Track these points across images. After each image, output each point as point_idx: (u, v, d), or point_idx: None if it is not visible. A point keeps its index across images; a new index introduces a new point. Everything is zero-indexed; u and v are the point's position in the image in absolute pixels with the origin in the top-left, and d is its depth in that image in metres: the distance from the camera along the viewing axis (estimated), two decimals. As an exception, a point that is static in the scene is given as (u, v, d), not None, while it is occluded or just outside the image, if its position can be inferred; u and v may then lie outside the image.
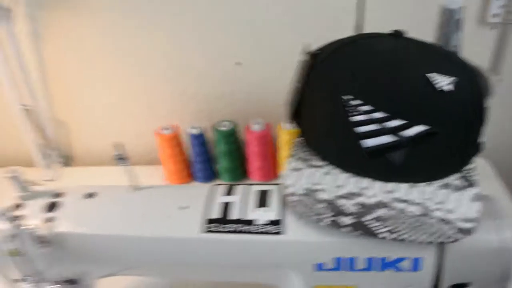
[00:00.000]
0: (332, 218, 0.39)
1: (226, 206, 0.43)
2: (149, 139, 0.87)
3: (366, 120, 0.40)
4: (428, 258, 0.40)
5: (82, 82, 0.83)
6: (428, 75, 0.39)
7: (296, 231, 0.40)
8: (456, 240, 0.37)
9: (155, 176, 0.82)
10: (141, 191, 0.46)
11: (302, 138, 0.49)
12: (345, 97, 0.40)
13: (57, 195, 0.47)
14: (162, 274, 0.48)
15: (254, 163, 0.77)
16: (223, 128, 0.74)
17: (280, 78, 0.77)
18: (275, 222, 0.41)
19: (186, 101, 0.82)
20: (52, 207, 0.45)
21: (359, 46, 0.43)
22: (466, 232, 0.38)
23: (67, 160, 0.93)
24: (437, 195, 0.41)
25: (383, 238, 0.37)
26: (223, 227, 0.41)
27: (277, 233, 0.40)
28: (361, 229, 0.38)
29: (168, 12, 0.74)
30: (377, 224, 0.38)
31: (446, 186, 0.42)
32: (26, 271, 0.45)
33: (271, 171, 0.78)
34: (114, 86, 0.83)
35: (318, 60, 0.44)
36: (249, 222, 0.41)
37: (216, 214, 0.42)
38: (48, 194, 0.47)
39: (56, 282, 0.47)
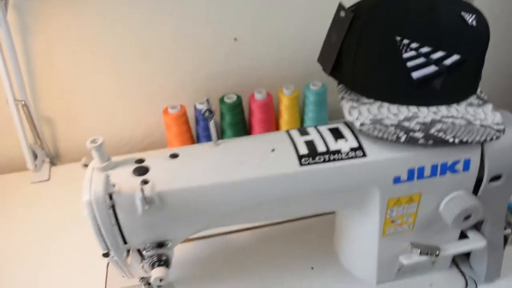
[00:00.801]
0: (407, 135, 0.47)
1: (310, 143, 0.49)
2: (147, 126, 0.88)
3: (415, 55, 0.49)
4: (475, 158, 0.50)
5: (70, 74, 0.81)
6: (462, 13, 0.49)
7: (376, 152, 0.48)
8: (498, 137, 0.48)
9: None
10: (222, 145, 0.50)
11: (342, 86, 0.57)
12: (398, 38, 0.49)
13: (140, 160, 0.49)
14: (256, 217, 0.53)
15: (258, 130, 0.83)
16: (229, 100, 0.79)
17: (275, 51, 0.85)
18: (357, 148, 0.48)
19: (186, 84, 0.84)
20: (143, 170, 0.47)
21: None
22: (501, 131, 0.49)
23: (54, 159, 0.89)
24: (468, 111, 0.51)
25: (451, 142, 0.46)
26: (318, 158, 0.47)
27: (362, 156, 0.48)
28: (432, 138, 0.47)
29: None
30: (441, 133, 0.47)
31: (470, 104, 0.53)
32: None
33: (273, 136, 0.85)
34: (106, 77, 0.82)
35: (362, 13, 0.52)
36: (335, 152, 0.48)
37: (304, 150, 0.48)
38: (129, 161, 0.49)
39: (146, 248, 0.49)
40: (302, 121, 0.85)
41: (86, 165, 0.50)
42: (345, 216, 0.58)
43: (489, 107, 0.52)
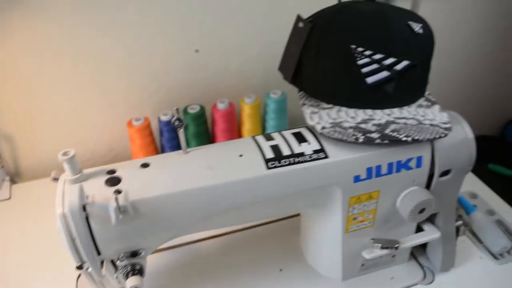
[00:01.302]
0: (365, 136, 0.51)
1: (275, 147, 0.51)
2: (109, 140, 0.88)
3: (369, 61, 0.53)
4: (426, 155, 0.54)
5: (31, 90, 0.80)
6: (409, 22, 0.54)
7: (337, 154, 0.51)
8: (446, 135, 0.52)
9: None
10: (192, 153, 0.52)
11: (302, 92, 0.60)
12: (353, 46, 0.53)
13: (111, 171, 0.50)
14: (226, 222, 0.54)
15: (222, 139, 0.85)
16: (193, 111, 0.81)
17: (236, 62, 0.87)
18: (319, 151, 0.51)
19: (148, 96, 0.85)
20: (116, 181, 0.48)
21: (349, 10, 0.56)
22: (448, 129, 0.53)
23: (15, 177, 0.87)
24: (419, 112, 0.56)
25: (405, 141, 0.50)
26: (284, 161, 0.50)
27: (324, 157, 0.51)
28: (387, 138, 0.50)
29: (125, 11, 0.77)
30: (396, 133, 0.51)
31: (420, 106, 0.57)
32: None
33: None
34: (67, 91, 0.82)
35: (319, 24, 0.56)
36: (299, 155, 0.51)
37: (271, 154, 0.51)
38: (101, 172, 0.49)
39: (120, 258, 0.50)
40: (263, 128, 0.88)
41: (56, 179, 0.50)
42: (310, 216, 0.60)
43: (436, 108, 0.57)
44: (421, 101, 0.58)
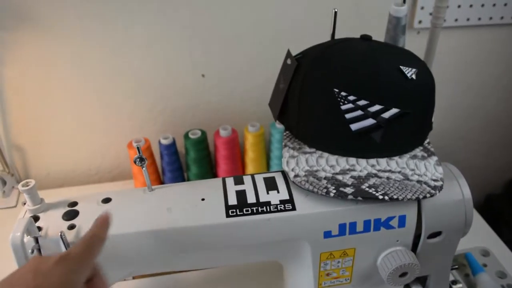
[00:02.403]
0: (337, 190, 0.46)
1: (241, 193, 0.49)
2: (114, 156, 0.88)
3: (353, 107, 0.49)
4: (411, 215, 0.49)
5: (42, 104, 0.82)
6: (400, 67, 0.49)
7: (306, 206, 0.47)
8: (432, 195, 0.47)
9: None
10: (157, 191, 0.50)
11: (288, 132, 0.57)
12: (336, 90, 0.49)
13: (72, 204, 0.49)
14: (186, 265, 0.52)
15: (223, 166, 0.83)
16: (193, 136, 0.79)
17: (242, 89, 0.85)
18: (287, 201, 0.48)
19: (153, 116, 0.85)
20: (73, 215, 0.47)
21: (339, 49, 0.52)
22: (438, 188, 0.48)
23: (24, 186, 0.90)
24: (409, 164, 0.51)
25: (381, 199, 0.46)
26: (245, 210, 0.47)
27: (291, 209, 0.47)
28: (361, 195, 0.46)
29: (133, 32, 0.77)
30: (372, 189, 0.46)
31: (414, 157, 0.52)
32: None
33: (239, 173, 0.85)
34: (74, 108, 0.83)
35: (306, 62, 0.52)
36: (264, 204, 0.47)
37: (234, 201, 0.48)
38: (62, 204, 0.49)
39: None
40: (268, 158, 0.85)
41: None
42: (284, 265, 0.57)
43: (432, 160, 0.52)
44: (417, 151, 0.53)
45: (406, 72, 0.50)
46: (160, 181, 0.84)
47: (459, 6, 0.82)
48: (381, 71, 0.50)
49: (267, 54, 0.82)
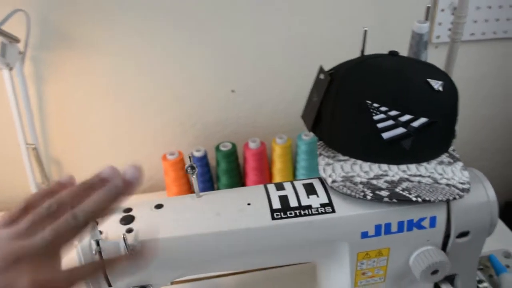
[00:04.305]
0: (373, 193, 0.50)
1: (284, 197, 0.53)
2: (147, 169, 0.93)
3: (385, 117, 0.53)
4: (441, 216, 0.53)
5: (78, 119, 0.87)
6: (428, 80, 0.53)
7: (344, 209, 0.51)
8: (461, 197, 0.51)
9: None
10: (204, 197, 0.54)
11: (321, 142, 0.61)
12: (369, 102, 0.53)
13: (127, 210, 0.53)
14: (232, 267, 0.56)
15: (252, 177, 0.87)
16: (224, 149, 0.84)
17: (270, 103, 0.90)
18: (326, 204, 0.52)
19: (184, 130, 0.90)
20: (129, 220, 0.51)
21: (370, 64, 0.57)
22: (466, 190, 0.51)
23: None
24: (437, 169, 0.55)
25: (414, 201, 0.50)
26: (289, 213, 0.51)
27: (331, 212, 0.51)
28: (396, 197, 0.50)
29: (168, 51, 0.82)
30: (406, 192, 0.50)
31: (441, 162, 0.56)
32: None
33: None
34: (110, 123, 0.88)
35: (338, 77, 0.57)
36: (306, 207, 0.52)
37: (278, 205, 0.52)
38: (119, 210, 0.53)
39: (130, 290, 0.53)
40: (294, 169, 0.89)
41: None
42: (322, 266, 0.60)
43: (458, 165, 0.55)
44: (443, 157, 0.57)
45: (433, 85, 0.54)
46: (191, 191, 0.88)
47: (475, 21, 0.87)
48: (411, 84, 0.54)
49: (293, 70, 0.87)
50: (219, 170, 0.85)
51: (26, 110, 0.79)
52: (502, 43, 0.93)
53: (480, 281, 0.65)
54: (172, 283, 0.70)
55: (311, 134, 0.86)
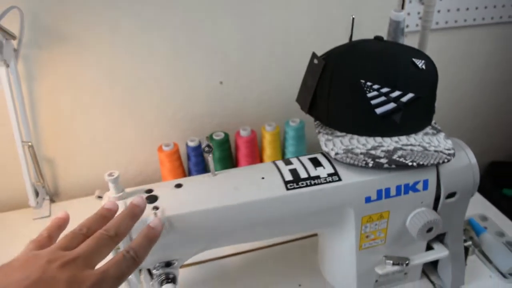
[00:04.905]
0: (374, 161, 0.56)
1: (294, 170, 0.58)
2: (141, 163, 0.95)
3: (377, 94, 0.59)
4: (432, 179, 0.59)
5: (69, 116, 0.88)
6: (413, 59, 0.60)
7: (349, 177, 0.57)
8: (449, 160, 0.58)
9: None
10: (219, 175, 0.58)
11: (318, 122, 0.66)
12: (362, 81, 0.59)
13: (149, 191, 0.56)
14: (249, 237, 0.60)
15: (244, 163, 0.91)
16: (218, 138, 0.88)
17: (257, 93, 0.95)
18: (333, 174, 0.57)
19: (176, 123, 0.93)
20: (153, 199, 0.55)
21: (360, 48, 0.63)
22: (452, 155, 0.58)
23: (53, 196, 0.95)
24: (424, 139, 0.61)
25: (410, 166, 0.56)
26: (301, 183, 0.56)
27: (338, 180, 0.57)
28: (395, 163, 0.56)
29: (156, 47, 0.85)
30: (402, 159, 0.57)
31: (426, 134, 0.63)
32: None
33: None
34: (102, 119, 0.90)
35: (332, 61, 0.62)
36: (315, 178, 0.57)
37: (289, 177, 0.57)
38: (139, 192, 0.56)
39: (155, 267, 0.56)
40: (283, 154, 0.94)
41: (100, 197, 0.57)
42: (326, 235, 0.66)
43: (441, 135, 0.63)
44: (428, 129, 0.64)
45: (417, 63, 0.61)
46: (187, 181, 0.91)
47: (438, 11, 0.96)
48: (398, 63, 0.60)
49: (278, 62, 0.92)
50: (213, 158, 0.89)
51: (20, 108, 0.80)
52: (465, 30, 1.03)
53: (464, 240, 0.73)
54: (181, 266, 0.73)
55: (298, 120, 0.92)
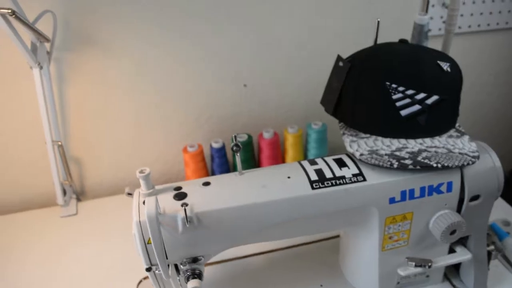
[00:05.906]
0: (399, 162, 0.57)
1: (319, 170, 0.59)
2: (165, 163, 0.97)
3: (402, 96, 0.60)
4: (456, 181, 0.60)
5: (97, 117, 0.91)
6: (438, 62, 0.61)
7: (374, 177, 0.58)
8: (474, 162, 0.58)
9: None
10: (246, 174, 0.60)
11: (342, 123, 0.67)
12: (388, 83, 0.60)
13: (178, 188, 0.58)
14: (274, 235, 0.61)
15: (267, 165, 0.92)
16: (241, 139, 0.89)
17: (280, 95, 0.96)
18: (358, 174, 0.58)
19: (200, 124, 0.95)
20: (182, 196, 0.56)
21: (385, 50, 0.64)
22: (476, 157, 0.59)
23: (80, 195, 0.98)
24: (449, 141, 0.62)
25: (435, 167, 0.56)
26: (326, 183, 0.57)
27: (363, 180, 0.58)
28: (419, 164, 0.57)
29: (183, 51, 0.88)
30: (427, 160, 0.57)
31: (450, 136, 0.63)
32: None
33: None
34: (130, 120, 0.92)
35: (357, 63, 0.64)
36: (340, 178, 0.58)
37: (315, 177, 0.58)
38: (169, 189, 0.58)
39: (182, 263, 0.57)
40: (305, 156, 0.95)
41: (129, 194, 0.59)
42: (350, 235, 0.67)
43: (466, 138, 0.63)
44: (452, 132, 0.64)
45: (442, 66, 0.61)
46: (210, 182, 0.93)
47: (462, 15, 0.96)
48: (424, 66, 0.61)
49: (300, 65, 0.94)
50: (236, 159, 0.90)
51: (51, 108, 0.83)
52: (488, 35, 1.03)
53: (486, 245, 0.72)
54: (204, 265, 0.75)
55: (320, 123, 0.93)
